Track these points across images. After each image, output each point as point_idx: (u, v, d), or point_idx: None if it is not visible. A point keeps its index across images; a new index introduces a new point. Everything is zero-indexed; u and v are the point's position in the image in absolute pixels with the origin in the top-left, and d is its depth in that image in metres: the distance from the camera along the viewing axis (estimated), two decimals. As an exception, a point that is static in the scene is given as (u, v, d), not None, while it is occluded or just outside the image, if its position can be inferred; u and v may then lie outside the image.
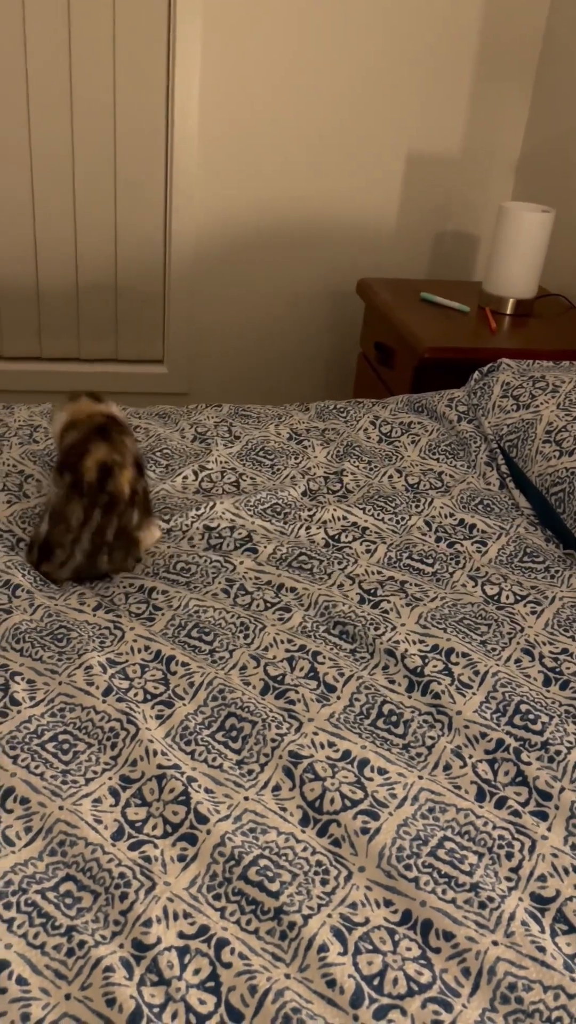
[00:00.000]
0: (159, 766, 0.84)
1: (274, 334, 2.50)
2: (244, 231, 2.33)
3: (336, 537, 1.24)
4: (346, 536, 1.24)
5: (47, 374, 2.41)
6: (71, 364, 2.44)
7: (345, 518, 1.28)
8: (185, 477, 1.37)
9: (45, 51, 2.05)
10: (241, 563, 1.16)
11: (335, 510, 1.29)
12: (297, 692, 0.95)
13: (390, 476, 1.41)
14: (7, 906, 0.71)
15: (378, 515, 1.29)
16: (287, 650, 1.01)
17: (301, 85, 2.18)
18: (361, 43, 2.15)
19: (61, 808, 0.80)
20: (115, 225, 2.28)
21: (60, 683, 0.94)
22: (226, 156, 2.23)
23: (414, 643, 1.02)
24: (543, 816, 0.82)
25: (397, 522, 1.28)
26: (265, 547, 1.20)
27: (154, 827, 0.79)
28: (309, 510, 1.29)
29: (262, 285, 2.42)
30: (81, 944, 0.69)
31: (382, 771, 0.86)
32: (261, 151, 2.24)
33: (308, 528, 1.25)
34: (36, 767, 0.83)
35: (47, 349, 2.41)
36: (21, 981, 0.66)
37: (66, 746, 0.86)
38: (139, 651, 0.99)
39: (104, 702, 0.91)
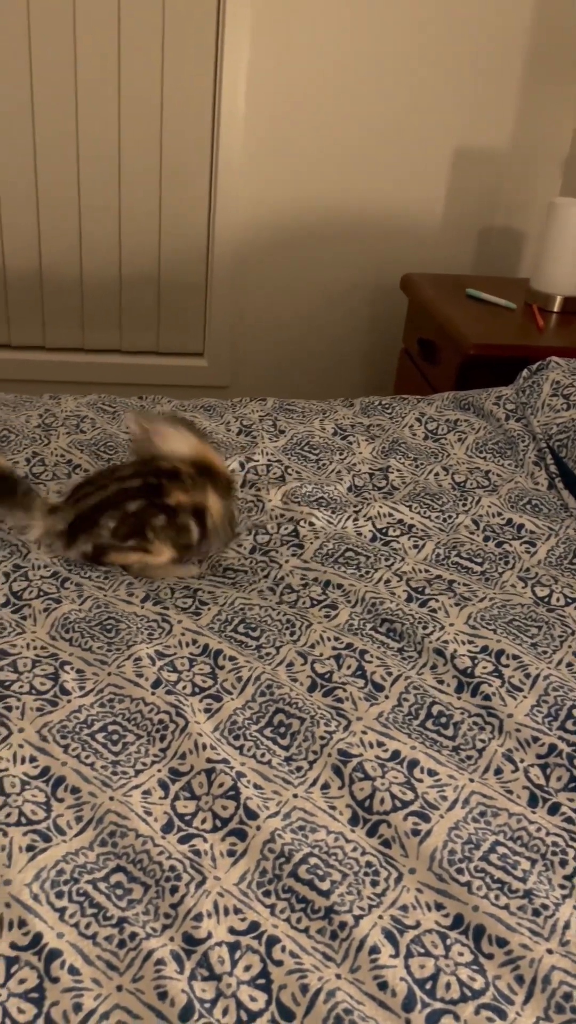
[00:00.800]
0: (208, 760, 0.84)
1: (315, 328, 2.49)
2: (288, 224, 2.32)
3: (384, 531, 1.23)
4: (393, 531, 1.23)
5: (89, 365, 2.42)
6: (112, 356, 2.45)
7: (391, 515, 1.26)
8: (232, 470, 1.37)
9: (95, 42, 2.05)
10: (287, 561, 1.15)
11: (381, 507, 1.28)
12: (345, 690, 0.94)
13: (436, 474, 1.39)
14: (59, 895, 0.72)
15: (425, 513, 1.28)
16: (334, 648, 1.00)
17: (348, 78, 2.16)
18: (409, 37, 2.13)
19: (111, 799, 0.80)
20: (159, 217, 2.29)
21: (109, 674, 0.94)
22: (271, 149, 2.22)
23: (463, 643, 1.01)
24: (597, 824, 0.81)
25: (444, 520, 1.27)
26: (311, 543, 1.19)
27: (203, 821, 0.79)
28: (355, 506, 1.28)
29: (304, 279, 2.41)
30: (132, 936, 0.69)
31: (432, 772, 0.85)
32: (307, 145, 2.23)
33: (356, 521, 1.24)
34: (86, 757, 0.84)
35: (89, 341, 2.42)
36: (73, 971, 0.66)
37: (115, 737, 0.87)
38: (187, 644, 0.99)
39: (153, 694, 0.91)
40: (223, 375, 2.49)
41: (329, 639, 1.01)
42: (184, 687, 0.93)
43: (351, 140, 2.24)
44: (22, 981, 0.66)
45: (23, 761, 0.83)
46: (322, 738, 0.87)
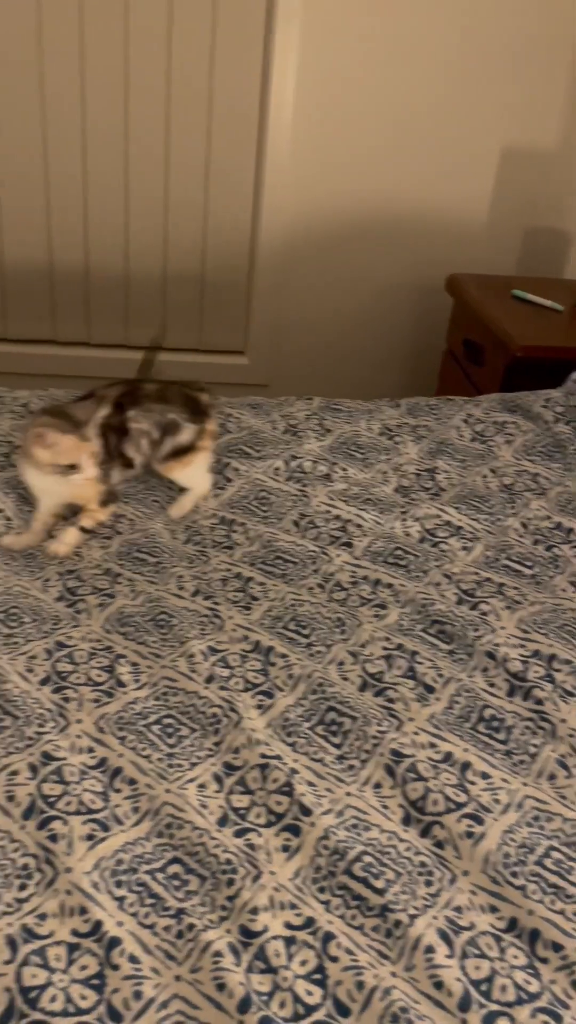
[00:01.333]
0: (262, 755, 0.84)
1: (357, 328, 2.49)
2: (332, 224, 2.32)
3: (432, 532, 1.23)
4: (441, 533, 1.23)
5: (132, 362, 2.44)
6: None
7: (439, 516, 1.26)
8: (276, 468, 1.38)
9: (146, 39, 2.07)
10: (338, 556, 1.16)
11: (428, 508, 1.28)
12: (396, 691, 0.94)
13: (484, 476, 1.38)
14: (118, 884, 0.73)
15: (472, 515, 1.27)
16: (384, 648, 1.00)
17: (396, 78, 2.15)
18: (457, 37, 2.12)
19: (168, 791, 0.81)
20: (204, 216, 2.30)
21: (163, 667, 0.95)
22: (318, 148, 2.22)
23: (514, 647, 1.00)
24: None
25: (492, 523, 1.26)
26: (360, 540, 1.19)
27: (258, 816, 0.80)
28: (402, 507, 1.28)
29: (347, 278, 2.41)
30: (190, 927, 0.70)
31: (485, 775, 0.85)
32: (353, 144, 2.22)
33: (403, 522, 1.24)
34: (143, 749, 0.85)
35: (133, 337, 2.44)
36: (133, 959, 0.68)
37: (170, 730, 0.88)
38: (238, 640, 1.00)
39: (207, 689, 0.92)
40: (263, 373, 2.50)
41: (379, 639, 1.01)
42: (236, 683, 0.94)
43: (397, 140, 2.23)
44: (84, 968, 0.67)
45: (81, 751, 0.84)
46: (374, 738, 0.88)
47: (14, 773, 0.80)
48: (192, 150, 2.21)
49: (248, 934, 0.70)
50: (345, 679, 0.96)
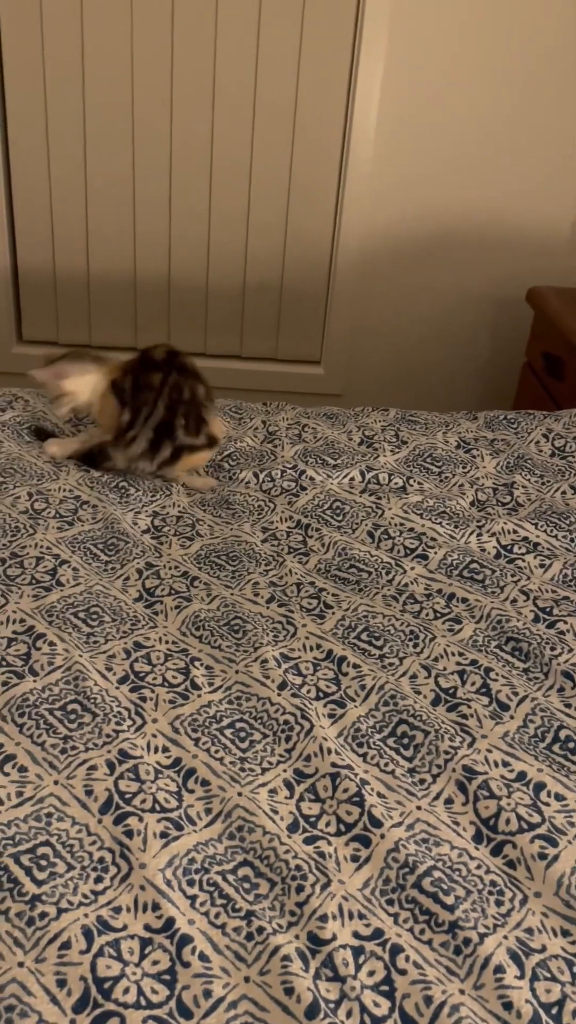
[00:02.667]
0: (333, 764, 0.85)
1: (433, 339, 2.48)
2: (411, 235, 2.32)
3: (508, 548, 1.21)
4: (518, 549, 1.21)
5: (209, 370, 2.48)
6: (232, 361, 2.51)
7: (516, 532, 1.25)
8: (352, 478, 1.38)
9: (232, 51, 2.11)
10: (412, 568, 1.15)
11: (505, 523, 1.26)
12: (469, 707, 0.93)
13: (563, 492, 1.36)
14: (190, 883, 0.74)
15: (551, 531, 1.25)
16: (458, 663, 0.99)
17: (479, 90, 2.14)
18: (541, 49, 2.09)
19: (239, 795, 0.82)
20: (285, 227, 2.33)
21: (237, 672, 0.97)
22: (400, 160, 2.22)
23: (592, 668, 0.98)
24: None
25: (571, 540, 1.24)
26: (434, 553, 1.19)
27: (327, 824, 0.81)
28: (478, 521, 1.27)
29: (426, 289, 2.40)
30: (260, 930, 0.71)
31: (560, 797, 0.83)
32: (435, 156, 2.22)
33: (479, 536, 1.23)
34: (216, 751, 0.86)
35: (211, 346, 2.49)
36: (203, 958, 0.69)
37: (243, 734, 0.89)
38: (311, 649, 1.01)
39: (279, 695, 0.93)
40: (338, 383, 2.51)
41: (453, 653, 1.01)
42: (308, 691, 0.95)
43: (479, 151, 2.22)
44: (155, 963, 0.68)
45: (156, 750, 0.86)
46: (446, 753, 0.87)
47: (92, 768, 0.83)
48: (275, 163, 2.24)
49: (316, 941, 0.71)
50: (418, 692, 0.96)
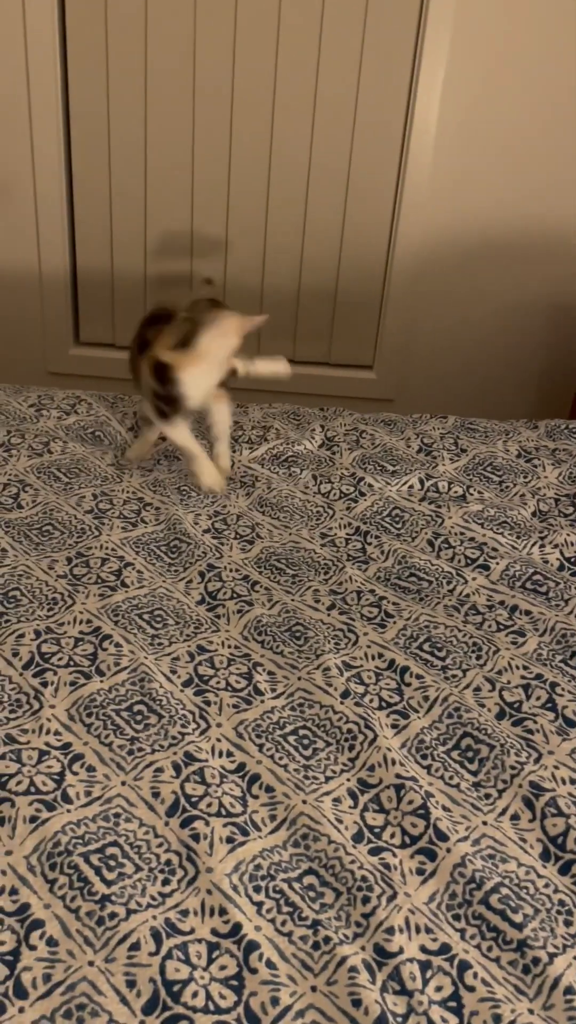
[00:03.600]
0: (397, 775, 0.84)
1: (488, 345, 2.45)
2: (469, 238, 2.30)
3: (573, 560, 1.20)
4: (581, 563, 1.20)
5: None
6: (285, 364, 2.51)
7: (579, 544, 1.23)
8: (411, 485, 1.38)
9: (294, 53, 2.12)
10: (473, 579, 1.14)
11: (569, 535, 1.24)
12: (535, 722, 0.92)
13: (627, 504, 1.34)
14: (256, 889, 0.74)
15: (615, 544, 1.23)
16: (523, 676, 0.98)
17: (539, 95, 2.11)
18: (616, 48, 2.06)
19: (304, 802, 0.82)
20: (341, 231, 2.32)
21: (299, 679, 0.97)
22: (460, 161, 2.21)
23: None
24: None
25: None
26: (496, 564, 1.18)
27: (392, 836, 0.80)
28: (540, 532, 1.26)
29: (482, 295, 2.38)
30: (326, 940, 0.71)
31: (630, 817, 0.82)
32: (496, 157, 2.20)
33: (542, 548, 1.22)
34: (280, 758, 0.87)
35: (265, 349, 2.49)
36: (270, 965, 0.69)
37: (306, 741, 0.89)
38: (373, 658, 1.01)
39: (342, 703, 0.93)
40: (390, 389, 2.50)
41: (517, 667, 0.99)
42: (371, 700, 0.95)
43: (541, 155, 2.19)
44: (223, 968, 0.69)
45: (220, 755, 0.87)
46: (512, 768, 0.86)
47: (159, 770, 0.83)
48: (334, 166, 2.24)
49: (383, 953, 0.70)
50: (482, 705, 0.95)
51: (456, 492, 1.36)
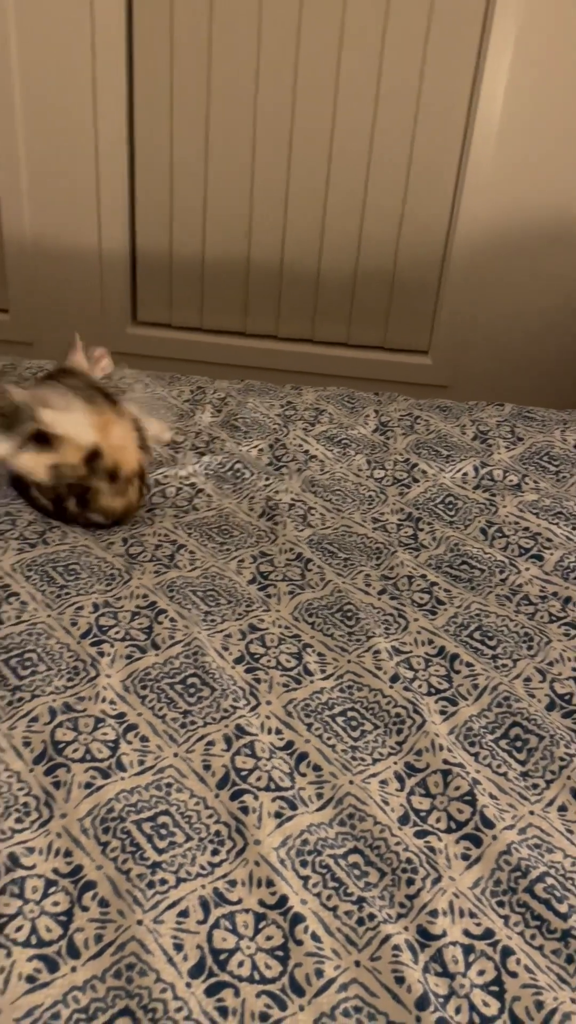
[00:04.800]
0: (445, 761, 0.85)
1: (546, 333, 2.41)
2: (529, 223, 2.26)
3: (628, 557, 1.18)
4: None
5: (317, 357, 2.49)
6: (339, 349, 2.50)
7: None
8: (465, 473, 1.37)
9: (359, 34, 2.09)
10: (527, 569, 1.14)
11: (625, 528, 1.22)
12: (586, 713, 0.92)
13: None
14: (303, 864, 0.76)
15: None
16: (574, 668, 0.98)
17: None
18: None
19: (351, 782, 0.83)
20: (400, 215, 2.30)
21: (349, 661, 0.97)
22: (524, 146, 2.16)
23: None
24: None
25: None
26: (551, 555, 1.17)
27: (438, 820, 0.81)
28: (597, 524, 1.24)
29: (541, 280, 2.34)
30: (371, 916, 0.72)
31: None
32: (560, 147, 2.15)
33: (597, 543, 1.20)
34: (328, 738, 0.88)
35: (319, 333, 2.49)
36: (315, 938, 0.70)
37: (354, 723, 0.90)
38: (423, 644, 1.01)
39: (391, 687, 0.93)
40: (445, 374, 2.48)
41: (569, 659, 0.99)
42: (420, 686, 0.95)
43: (612, 139, 2.13)
44: (269, 938, 0.70)
45: (270, 732, 0.88)
46: (561, 759, 0.86)
47: (211, 743, 0.85)
48: (395, 148, 2.22)
49: (426, 935, 0.71)
50: (532, 696, 0.94)
51: (511, 481, 1.35)
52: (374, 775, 0.84)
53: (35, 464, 1.10)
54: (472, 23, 2.06)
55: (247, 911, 0.72)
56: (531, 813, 0.82)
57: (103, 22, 2.09)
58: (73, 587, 1.04)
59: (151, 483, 1.22)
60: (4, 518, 1.15)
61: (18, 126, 2.23)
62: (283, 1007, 0.66)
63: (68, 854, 0.75)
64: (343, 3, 2.06)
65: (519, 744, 0.88)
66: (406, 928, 0.72)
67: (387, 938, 0.70)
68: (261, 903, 0.73)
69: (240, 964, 0.68)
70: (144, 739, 0.86)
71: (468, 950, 0.70)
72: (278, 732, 0.88)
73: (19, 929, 0.69)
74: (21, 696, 0.88)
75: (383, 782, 0.84)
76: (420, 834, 0.79)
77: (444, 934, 0.71)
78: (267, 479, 1.33)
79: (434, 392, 2.51)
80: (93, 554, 1.11)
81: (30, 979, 0.66)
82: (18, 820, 0.77)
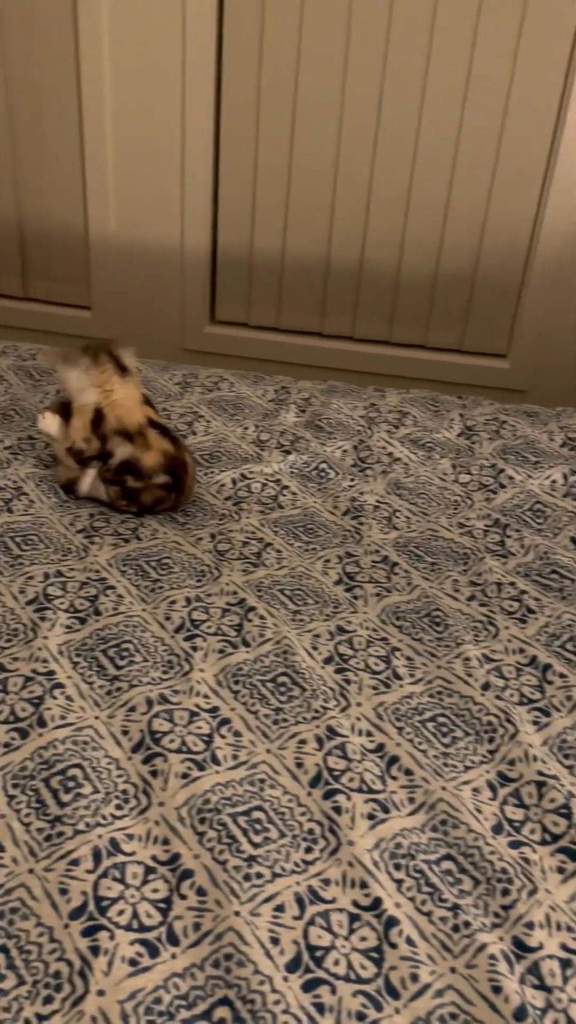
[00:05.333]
0: (539, 772, 0.84)
1: (632, 339, 2.35)
2: (619, 228, 2.21)
3: None
4: None
5: (394, 359, 2.48)
6: (416, 351, 2.49)
7: None
8: (553, 480, 1.35)
9: (449, 35, 2.08)
10: (620, 582, 1.11)
11: None
12: None
13: None
14: (396, 867, 0.76)
15: None
16: None
17: None
18: None
19: (443, 788, 0.83)
20: (484, 217, 2.27)
21: (438, 667, 0.97)
22: (616, 149, 2.12)
23: None
24: None
25: None
26: None
27: (532, 831, 0.80)
28: None
29: (629, 286, 2.28)
30: (466, 924, 0.72)
31: None
32: None
33: None
34: (419, 743, 0.87)
35: (396, 334, 2.48)
36: (410, 942, 0.70)
37: (445, 729, 0.90)
38: (513, 652, 1.00)
39: (483, 695, 0.93)
40: (524, 379, 2.44)
41: None
42: (511, 695, 0.94)
43: None
44: (363, 939, 0.71)
45: (360, 733, 0.88)
46: None
47: (303, 742, 0.86)
48: (482, 153, 2.19)
49: (522, 947, 0.71)
50: (627, 710, 0.93)
51: (601, 490, 1.32)
52: (466, 782, 0.84)
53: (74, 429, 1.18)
54: (564, 22, 2.02)
55: (341, 911, 0.72)
56: (628, 830, 0.80)
57: (194, 25, 2.12)
58: (166, 581, 1.06)
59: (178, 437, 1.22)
60: (99, 516, 1.18)
61: (107, 128, 2.28)
62: (379, 1008, 0.66)
63: (166, 842, 0.76)
64: (434, 5, 2.05)
65: (615, 759, 0.87)
66: (501, 938, 0.71)
67: (483, 947, 0.70)
68: (355, 904, 0.73)
69: (336, 962, 0.69)
70: (237, 734, 0.87)
71: (566, 964, 0.69)
72: (369, 734, 0.88)
73: (121, 913, 0.71)
74: (119, 686, 0.90)
75: (475, 790, 0.83)
76: (514, 844, 0.79)
77: (541, 947, 0.70)
78: (351, 480, 1.33)
79: (512, 396, 2.48)
80: (183, 550, 1.13)
81: (132, 962, 0.68)
82: (118, 807, 0.79)
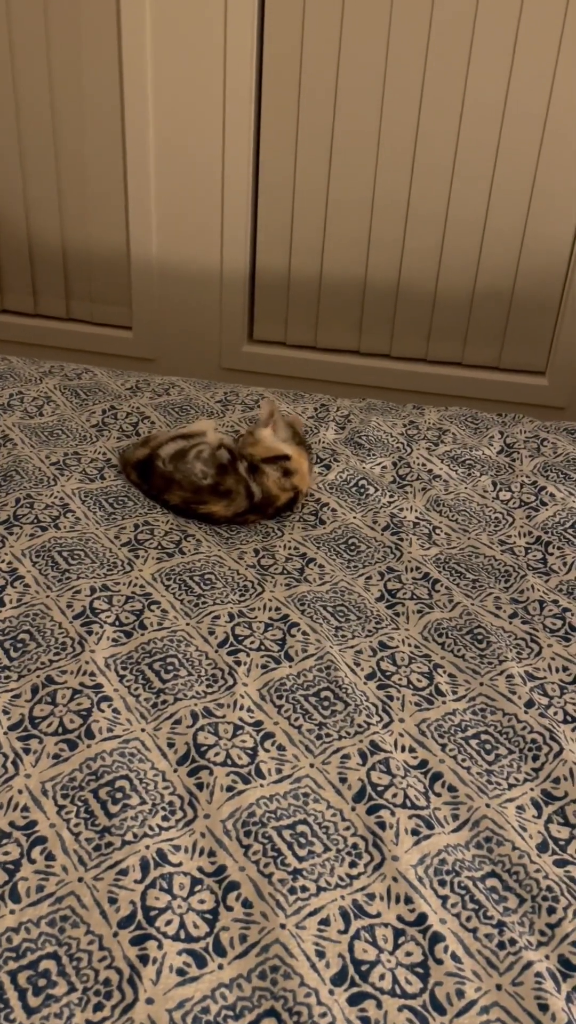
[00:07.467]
0: (584, 791, 0.84)
1: None
2: None
3: None
4: None
5: (430, 376, 2.49)
6: (453, 368, 2.49)
7: None
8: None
9: (487, 56, 2.09)
10: None
11: None
12: None
13: None
14: (441, 883, 0.76)
15: None
16: None
17: None
18: None
19: (487, 806, 0.83)
20: (523, 235, 2.28)
21: (481, 684, 0.97)
22: None
23: None
24: None
25: None
26: None
27: (577, 850, 0.80)
28: None
29: None
30: (512, 941, 0.72)
31: None
32: None
33: None
34: (463, 760, 0.88)
35: (433, 352, 2.49)
36: (455, 958, 0.70)
37: (488, 746, 0.90)
38: (557, 670, 1.00)
39: (526, 713, 0.93)
40: (563, 396, 2.43)
41: None
42: (556, 713, 0.94)
43: None
44: (409, 954, 0.71)
45: (403, 749, 0.89)
46: None
47: (346, 757, 0.87)
48: (520, 172, 2.20)
49: (569, 966, 0.70)
50: None
51: None
52: (510, 800, 0.84)
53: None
54: (604, 42, 2.03)
55: (386, 925, 0.73)
56: None
57: (235, 53, 2.17)
58: (209, 596, 1.08)
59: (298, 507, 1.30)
60: (143, 527, 1.21)
61: (149, 153, 2.33)
62: (425, 1023, 0.66)
63: (212, 854, 0.77)
64: (472, 25, 2.07)
65: None
66: (547, 956, 0.71)
67: (529, 964, 0.70)
68: (400, 919, 0.73)
69: (381, 977, 0.69)
70: (281, 748, 0.88)
71: (613, 985, 0.69)
72: (411, 750, 0.89)
73: (169, 923, 0.72)
74: (165, 699, 0.92)
75: (520, 808, 0.83)
76: (559, 863, 0.78)
77: (588, 967, 0.70)
78: (391, 496, 1.34)
79: (550, 413, 2.47)
80: (226, 565, 1.15)
81: (180, 972, 0.69)
82: (164, 818, 0.80)
